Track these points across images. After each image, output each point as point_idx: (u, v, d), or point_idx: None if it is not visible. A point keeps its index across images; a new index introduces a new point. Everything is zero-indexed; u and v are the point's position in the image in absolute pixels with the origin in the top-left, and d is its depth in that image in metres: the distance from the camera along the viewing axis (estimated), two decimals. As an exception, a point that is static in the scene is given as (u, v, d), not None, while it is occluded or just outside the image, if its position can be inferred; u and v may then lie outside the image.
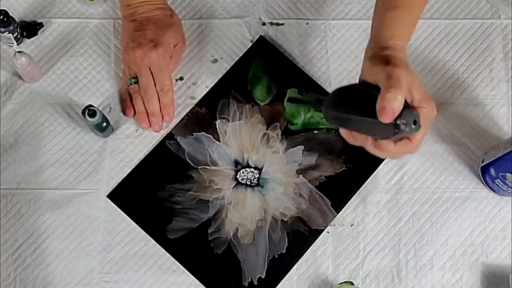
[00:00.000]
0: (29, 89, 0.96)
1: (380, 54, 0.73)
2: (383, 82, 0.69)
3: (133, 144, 0.94)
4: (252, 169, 0.93)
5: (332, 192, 0.92)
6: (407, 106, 0.68)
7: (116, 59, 0.97)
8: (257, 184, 0.93)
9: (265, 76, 0.96)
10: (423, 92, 0.70)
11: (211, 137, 0.94)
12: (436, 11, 1.00)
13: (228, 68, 0.97)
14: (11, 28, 0.93)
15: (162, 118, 0.93)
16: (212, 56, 0.98)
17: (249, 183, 0.93)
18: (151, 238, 0.90)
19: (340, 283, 0.89)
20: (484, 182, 0.93)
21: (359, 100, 0.71)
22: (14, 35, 0.94)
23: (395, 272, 0.90)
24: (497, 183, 0.89)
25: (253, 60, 0.97)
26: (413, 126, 0.68)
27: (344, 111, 0.72)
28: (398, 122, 0.67)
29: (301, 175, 0.93)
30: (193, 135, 0.94)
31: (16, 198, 0.91)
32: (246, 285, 0.89)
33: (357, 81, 1.00)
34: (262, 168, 0.93)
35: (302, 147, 0.94)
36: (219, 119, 0.95)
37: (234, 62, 0.97)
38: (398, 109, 0.67)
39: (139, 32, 0.91)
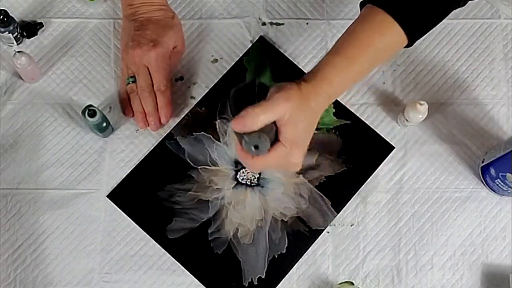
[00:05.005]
0: (29, 89, 0.96)
1: (293, 82, 0.73)
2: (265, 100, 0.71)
3: (133, 144, 0.94)
4: (252, 169, 0.93)
5: (332, 192, 0.92)
6: (267, 133, 0.70)
7: (116, 59, 0.97)
8: (257, 184, 0.93)
9: (263, 62, 0.96)
10: (295, 137, 0.71)
11: (211, 137, 0.94)
12: (436, 11, 1.00)
13: (228, 68, 0.97)
14: (11, 28, 0.93)
15: (159, 118, 0.93)
16: (212, 56, 0.98)
17: (249, 183, 0.93)
18: (151, 238, 0.90)
19: (340, 283, 0.89)
20: (484, 182, 0.93)
21: (243, 99, 0.74)
22: (14, 35, 0.94)
23: (395, 272, 0.90)
24: (497, 183, 0.89)
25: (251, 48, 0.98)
26: (252, 148, 0.70)
27: (230, 104, 0.77)
28: (244, 136, 0.70)
29: (301, 175, 0.93)
30: (193, 135, 0.94)
31: (16, 198, 0.91)
32: (246, 285, 0.89)
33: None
34: (262, 168, 0.93)
35: (302, 147, 0.94)
36: (219, 119, 0.95)
37: (234, 62, 0.97)
38: (249, 125, 0.69)
39: (139, 32, 0.91)
